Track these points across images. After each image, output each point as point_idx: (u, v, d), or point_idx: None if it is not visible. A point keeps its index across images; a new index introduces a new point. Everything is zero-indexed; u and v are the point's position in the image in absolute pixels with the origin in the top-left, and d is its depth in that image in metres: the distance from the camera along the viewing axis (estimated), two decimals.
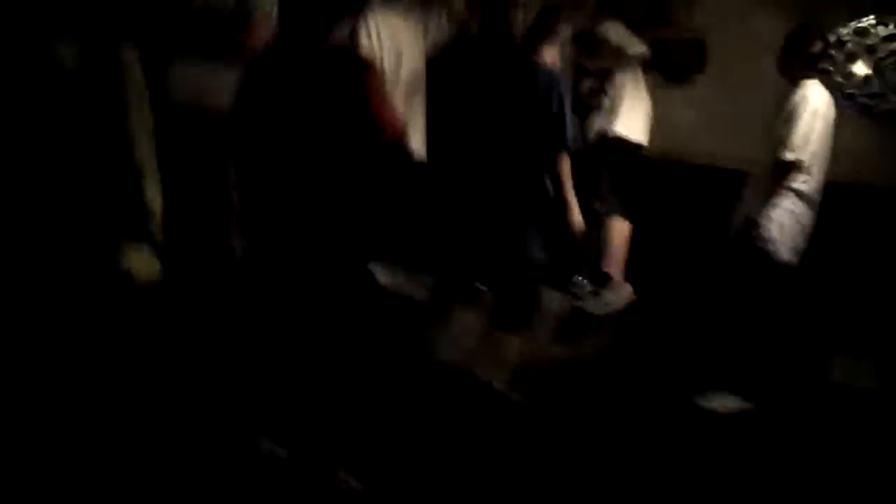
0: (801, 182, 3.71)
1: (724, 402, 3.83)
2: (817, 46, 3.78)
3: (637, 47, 4.55)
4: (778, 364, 3.93)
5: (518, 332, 3.83)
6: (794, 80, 3.79)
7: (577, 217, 3.82)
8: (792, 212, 3.74)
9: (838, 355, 4.28)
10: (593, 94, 4.63)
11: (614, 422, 3.63)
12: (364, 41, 3.65)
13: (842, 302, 4.52)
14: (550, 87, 3.62)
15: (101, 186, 2.52)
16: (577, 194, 3.87)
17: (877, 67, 4.78)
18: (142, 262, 2.61)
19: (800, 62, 3.76)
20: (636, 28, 4.68)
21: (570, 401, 3.69)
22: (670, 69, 4.59)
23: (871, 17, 4.76)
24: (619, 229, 4.67)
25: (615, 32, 4.57)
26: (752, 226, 3.73)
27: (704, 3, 5.19)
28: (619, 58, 4.54)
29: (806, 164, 3.66)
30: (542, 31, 3.88)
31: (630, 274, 4.72)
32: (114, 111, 2.49)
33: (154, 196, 2.62)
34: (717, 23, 5.16)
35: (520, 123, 3.60)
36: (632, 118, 4.63)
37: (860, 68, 4.82)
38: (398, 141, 2.85)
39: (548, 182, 3.71)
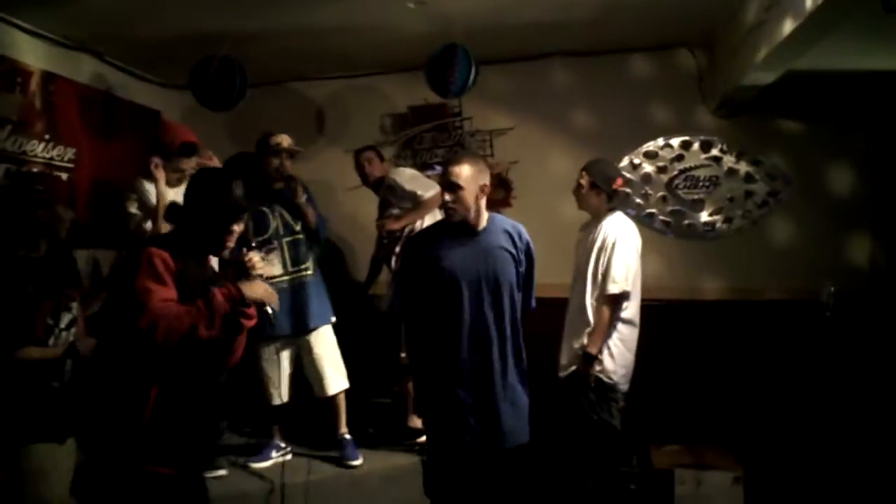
0: (625, 309, 3.70)
1: None
2: (618, 182, 3.85)
3: (430, 190, 4.46)
4: None
5: None
6: (597, 213, 3.84)
7: None
8: (622, 339, 3.70)
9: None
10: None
11: None
12: None
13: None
14: None
15: None
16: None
17: (670, 186, 5.03)
18: None
19: (602, 196, 3.79)
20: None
21: None
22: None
23: (659, 139, 5.02)
24: None
25: (404, 177, 4.55)
26: (589, 359, 3.64)
27: (503, 140, 5.37)
28: (415, 201, 4.47)
29: (629, 292, 3.68)
30: None
31: None
32: None
33: None
34: (518, 158, 5.33)
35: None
36: None
37: (655, 189, 5.04)
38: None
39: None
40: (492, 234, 3.20)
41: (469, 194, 3.09)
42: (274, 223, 4.14)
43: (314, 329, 4.14)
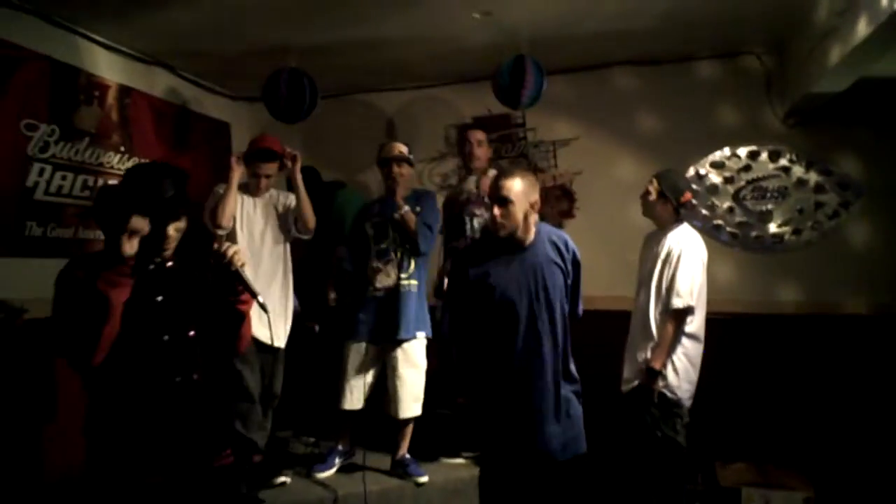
0: (689, 323, 3.62)
1: None
2: (687, 196, 3.76)
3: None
4: None
5: None
6: (662, 223, 3.78)
7: None
8: (686, 354, 3.62)
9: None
10: None
11: None
12: None
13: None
14: None
15: None
16: None
17: (737, 197, 4.93)
18: None
19: (668, 206, 3.72)
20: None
21: None
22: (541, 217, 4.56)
23: (726, 149, 4.92)
24: None
25: None
26: (653, 374, 3.59)
27: (566, 150, 5.33)
28: None
29: (694, 306, 3.61)
30: None
31: None
32: None
33: None
34: (582, 169, 5.29)
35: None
36: None
37: (722, 200, 4.94)
38: None
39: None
40: (539, 247, 3.15)
41: (519, 209, 3.04)
42: (392, 233, 4.11)
43: (400, 342, 4.05)
